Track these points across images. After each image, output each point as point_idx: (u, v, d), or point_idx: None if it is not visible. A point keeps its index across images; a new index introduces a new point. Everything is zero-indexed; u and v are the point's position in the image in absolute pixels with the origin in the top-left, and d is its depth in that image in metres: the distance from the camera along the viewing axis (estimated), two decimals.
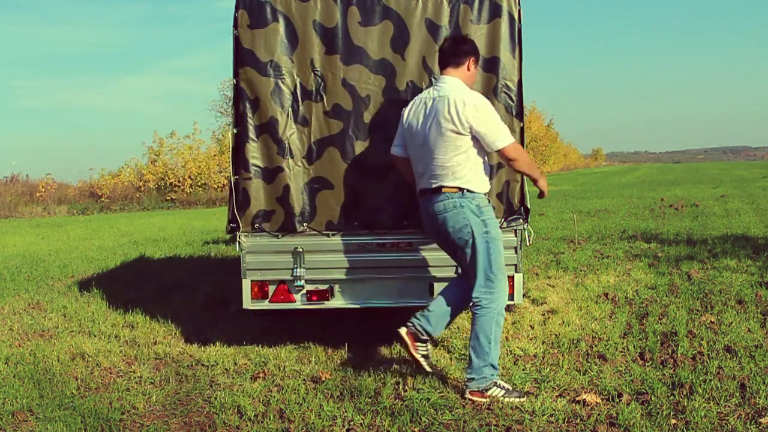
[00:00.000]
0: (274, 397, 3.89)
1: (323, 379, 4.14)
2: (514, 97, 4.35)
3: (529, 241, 4.43)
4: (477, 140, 3.77)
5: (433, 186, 3.85)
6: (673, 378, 3.92)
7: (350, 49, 4.35)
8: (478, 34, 4.31)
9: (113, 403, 3.88)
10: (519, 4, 4.33)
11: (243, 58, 4.37)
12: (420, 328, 3.93)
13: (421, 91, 4.32)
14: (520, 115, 4.36)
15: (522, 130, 4.37)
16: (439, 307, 3.98)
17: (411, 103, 4.01)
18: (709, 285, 6.21)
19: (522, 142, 4.36)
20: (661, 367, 4.15)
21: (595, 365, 4.19)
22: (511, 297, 4.43)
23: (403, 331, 3.94)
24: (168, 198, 25.48)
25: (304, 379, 4.17)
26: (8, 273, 8.81)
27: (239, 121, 4.42)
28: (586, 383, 3.93)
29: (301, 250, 4.41)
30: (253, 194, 4.42)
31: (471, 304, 3.85)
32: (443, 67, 3.92)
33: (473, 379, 3.74)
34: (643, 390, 3.76)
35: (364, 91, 4.36)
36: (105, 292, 6.95)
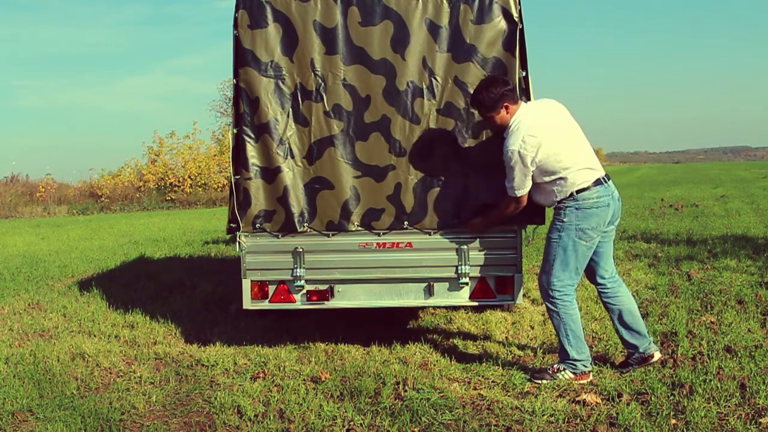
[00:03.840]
0: (274, 397, 3.89)
1: (323, 379, 4.14)
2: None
3: (529, 240, 4.44)
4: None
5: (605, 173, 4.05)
6: (673, 378, 3.92)
7: (350, 50, 4.34)
8: (478, 34, 4.32)
9: (113, 403, 3.88)
10: (519, 3, 4.33)
11: (243, 58, 4.37)
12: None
13: (421, 91, 4.33)
14: None
15: None
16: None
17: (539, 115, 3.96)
18: (709, 285, 6.21)
19: None
20: (661, 367, 4.14)
21: (595, 365, 4.19)
22: (511, 297, 4.43)
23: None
24: (168, 198, 25.47)
25: (304, 379, 4.17)
26: (8, 273, 8.81)
27: (239, 121, 4.41)
28: (586, 383, 3.93)
29: (301, 250, 4.41)
30: (254, 194, 4.41)
31: (613, 285, 4.12)
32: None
33: None
34: (643, 390, 3.77)
35: (364, 91, 4.35)
36: (105, 292, 6.95)
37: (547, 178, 3.90)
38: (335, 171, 4.39)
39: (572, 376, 3.94)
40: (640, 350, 4.05)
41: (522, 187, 3.95)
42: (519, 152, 3.83)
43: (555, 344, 4.67)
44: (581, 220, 3.89)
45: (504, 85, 3.95)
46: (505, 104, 3.93)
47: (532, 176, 3.92)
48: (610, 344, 4.58)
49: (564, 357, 3.99)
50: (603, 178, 3.95)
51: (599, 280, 4.12)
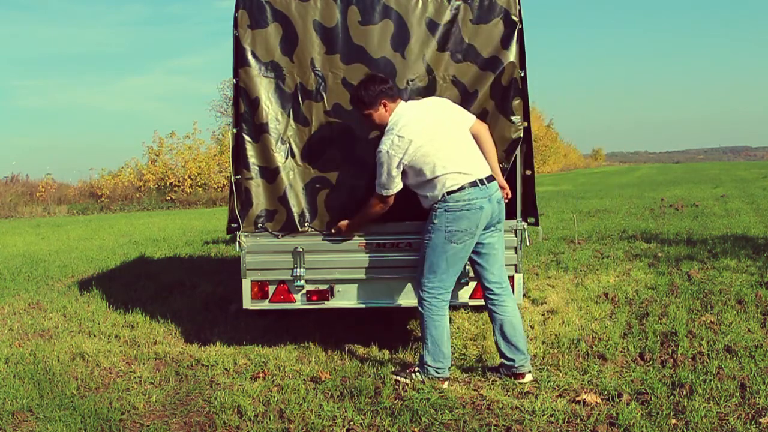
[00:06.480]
0: (274, 397, 3.89)
1: (323, 379, 4.14)
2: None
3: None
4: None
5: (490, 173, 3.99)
6: (673, 378, 3.92)
7: (350, 49, 4.35)
8: (477, 33, 4.31)
9: (113, 403, 3.88)
10: (519, 3, 4.33)
11: (243, 58, 4.37)
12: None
13: (421, 90, 4.33)
14: (525, 114, 4.36)
15: (528, 129, 4.36)
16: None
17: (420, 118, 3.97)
18: (709, 285, 6.21)
19: (529, 142, 4.37)
20: (661, 367, 4.15)
21: (595, 365, 4.19)
22: None
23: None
24: (168, 198, 25.48)
25: (304, 379, 4.17)
26: (8, 273, 8.81)
27: (239, 120, 4.41)
28: (586, 383, 3.93)
29: (301, 250, 4.41)
30: (255, 194, 4.41)
31: (500, 292, 4.05)
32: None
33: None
34: (643, 390, 3.76)
35: None
36: (105, 292, 6.95)
37: (419, 179, 3.91)
38: (336, 170, 4.39)
39: (425, 378, 3.94)
40: (516, 365, 3.98)
41: (389, 188, 3.97)
42: (388, 152, 3.88)
43: (553, 343, 4.67)
44: (451, 222, 3.83)
45: (383, 83, 3.99)
46: (383, 101, 3.96)
47: (408, 177, 3.94)
48: (610, 344, 4.58)
49: (420, 360, 4.00)
50: (481, 180, 3.86)
51: (485, 285, 4.07)
